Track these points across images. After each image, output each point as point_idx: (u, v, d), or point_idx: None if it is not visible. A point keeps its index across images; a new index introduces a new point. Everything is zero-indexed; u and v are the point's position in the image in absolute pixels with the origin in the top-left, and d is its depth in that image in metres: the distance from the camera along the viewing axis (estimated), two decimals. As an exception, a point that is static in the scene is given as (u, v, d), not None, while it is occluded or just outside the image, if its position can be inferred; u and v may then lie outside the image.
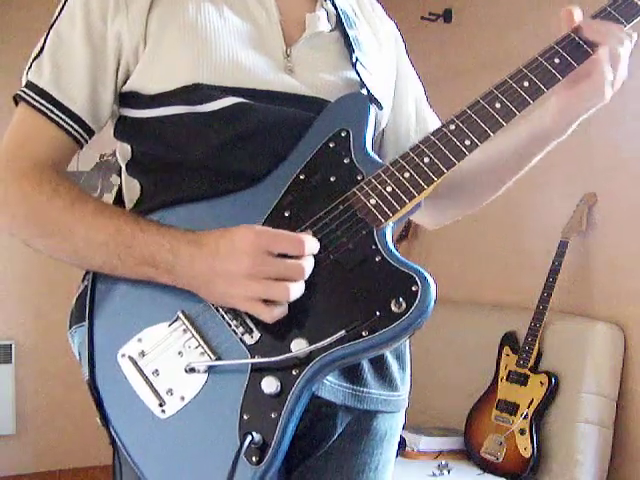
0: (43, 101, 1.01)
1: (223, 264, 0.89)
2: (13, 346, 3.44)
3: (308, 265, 0.90)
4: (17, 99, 1.04)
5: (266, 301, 0.89)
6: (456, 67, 3.39)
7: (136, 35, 1.00)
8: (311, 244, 0.91)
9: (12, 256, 3.44)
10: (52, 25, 1.04)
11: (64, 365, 3.22)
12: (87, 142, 1.06)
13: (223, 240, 0.90)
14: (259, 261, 0.88)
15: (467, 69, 3.30)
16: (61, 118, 1.01)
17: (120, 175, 1.12)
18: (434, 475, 2.49)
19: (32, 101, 1.01)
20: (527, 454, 2.50)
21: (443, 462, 2.56)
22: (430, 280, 0.90)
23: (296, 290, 0.89)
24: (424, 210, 1.02)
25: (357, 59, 1.09)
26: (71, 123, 1.02)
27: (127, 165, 1.09)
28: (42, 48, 1.03)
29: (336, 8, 1.12)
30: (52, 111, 1.01)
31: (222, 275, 0.89)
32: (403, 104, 1.23)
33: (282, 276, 0.88)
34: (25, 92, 1.02)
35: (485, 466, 2.59)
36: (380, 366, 1.07)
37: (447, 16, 3.48)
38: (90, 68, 1.01)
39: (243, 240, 0.89)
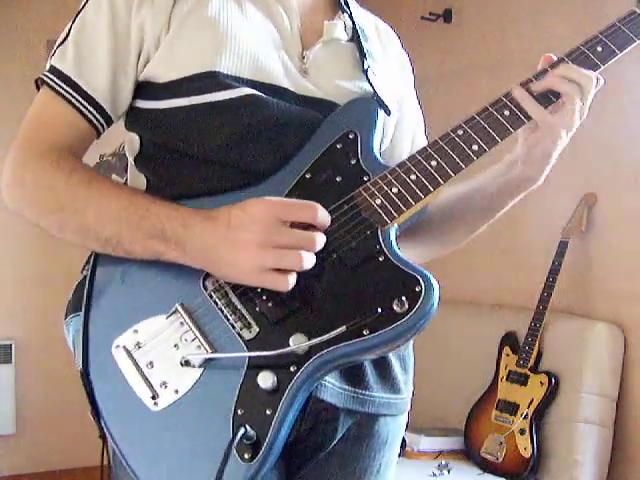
0: (65, 86, 1.02)
1: (235, 233, 0.89)
2: (13, 346, 3.44)
3: (320, 237, 0.90)
4: (39, 83, 1.05)
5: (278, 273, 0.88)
6: (456, 67, 3.39)
7: (159, 24, 1.02)
8: (323, 213, 0.90)
9: (12, 256, 3.44)
10: (78, 13, 1.05)
11: (64, 365, 3.21)
12: (104, 130, 1.07)
13: (235, 211, 0.90)
14: (271, 229, 0.88)
15: (467, 69, 3.30)
16: (81, 104, 1.02)
17: (123, 173, 1.13)
18: (434, 475, 2.48)
19: (54, 85, 1.02)
20: (527, 454, 2.50)
21: (443, 462, 2.56)
22: (434, 281, 0.89)
23: (308, 259, 0.88)
24: None
25: (368, 66, 1.11)
26: (90, 109, 1.03)
27: (135, 159, 1.09)
28: (67, 35, 1.05)
29: (353, 21, 1.14)
30: (73, 96, 1.02)
31: (234, 244, 0.89)
32: (403, 128, 1.23)
33: (294, 245, 0.88)
34: (48, 76, 1.04)
35: (485, 466, 2.59)
36: (383, 368, 1.07)
37: (447, 16, 3.48)
38: (112, 56, 1.03)
39: (254, 208, 0.89)
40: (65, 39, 1.05)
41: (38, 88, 1.06)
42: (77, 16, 1.05)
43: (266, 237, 0.87)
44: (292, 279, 0.88)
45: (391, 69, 1.20)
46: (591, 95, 1.02)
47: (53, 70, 1.04)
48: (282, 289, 0.88)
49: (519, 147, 1.06)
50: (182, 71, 1.01)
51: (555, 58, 1.05)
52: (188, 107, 1.01)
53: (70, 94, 1.02)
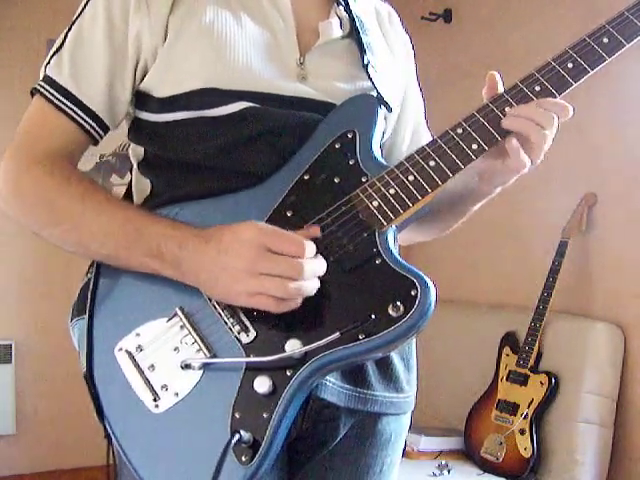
0: (61, 97, 1.02)
1: (225, 258, 0.89)
2: (13, 346, 3.44)
3: (311, 266, 0.89)
4: (33, 92, 1.04)
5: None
6: (456, 67, 3.39)
7: (156, 35, 1.01)
8: (310, 249, 0.89)
9: (12, 256, 3.44)
10: (74, 22, 1.04)
11: (64, 365, 3.21)
12: (102, 138, 1.07)
13: (227, 234, 0.90)
14: (258, 257, 0.87)
15: (467, 69, 3.30)
16: (78, 115, 1.02)
17: (123, 173, 1.13)
18: (434, 475, 2.48)
19: (50, 96, 1.02)
20: (527, 454, 2.50)
21: (443, 462, 2.56)
22: (430, 285, 0.89)
23: (292, 288, 0.87)
24: None
25: (368, 62, 1.09)
26: (88, 120, 1.03)
27: (139, 164, 1.10)
28: (62, 43, 1.04)
29: (350, 14, 1.12)
30: (69, 107, 1.02)
31: (225, 269, 0.89)
32: (404, 118, 1.23)
33: (280, 274, 0.87)
34: (43, 87, 1.03)
35: (485, 466, 2.59)
36: (385, 367, 1.07)
37: (447, 16, 3.48)
38: (109, 67, 1.02)
39: (245, 234, 0.89)
40: (60, 47, 1.04)
41: (32, 96, 1.05)
42: (73, 24, 1.04)
43: (252, 265, 0.87)
44: (287, 303, 0.88)
45: (393, 59, 1.19)
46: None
47: (49, 80, 1.03)
48: (272, 310, 0.89)
49: (479, 162, 1.01)
50: (179, 87, 1.01)
51: (498, 80, 1.01)
52: (186, 120, 1.02)
53: (66, 105, 1.02)
